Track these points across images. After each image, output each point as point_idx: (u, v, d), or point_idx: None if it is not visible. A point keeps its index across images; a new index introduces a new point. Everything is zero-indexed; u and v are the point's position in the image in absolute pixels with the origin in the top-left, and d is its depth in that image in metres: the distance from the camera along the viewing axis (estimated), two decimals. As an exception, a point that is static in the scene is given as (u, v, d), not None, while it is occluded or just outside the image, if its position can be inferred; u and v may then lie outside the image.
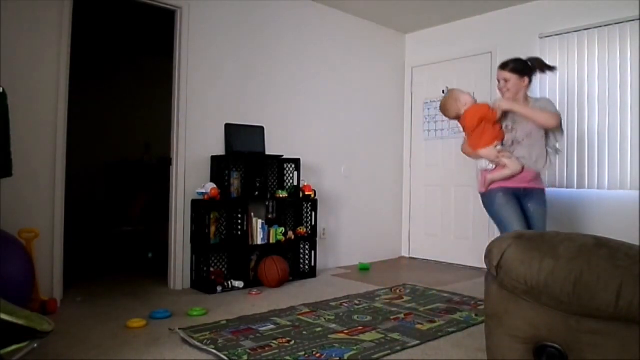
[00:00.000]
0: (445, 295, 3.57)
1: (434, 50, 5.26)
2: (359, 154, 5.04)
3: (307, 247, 4.24)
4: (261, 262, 3.82)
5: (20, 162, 2.80)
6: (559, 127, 2.87)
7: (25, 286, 2.55)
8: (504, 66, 2.94)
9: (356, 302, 3.33)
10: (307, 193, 4.14)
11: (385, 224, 5.32)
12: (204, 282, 3.59)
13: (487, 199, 2.92)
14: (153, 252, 4.87)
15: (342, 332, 2.63)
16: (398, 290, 3.71)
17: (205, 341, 2.42)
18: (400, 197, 5.50)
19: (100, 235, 5.40)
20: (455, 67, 5.04)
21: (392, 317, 2.94)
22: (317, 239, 4.25)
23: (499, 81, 2.96)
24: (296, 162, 4.16)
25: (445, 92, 3.38)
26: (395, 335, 2.58)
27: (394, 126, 5.43)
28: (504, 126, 2.90)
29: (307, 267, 4.22)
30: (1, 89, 2.51)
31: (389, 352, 2.33)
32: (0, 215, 2.75)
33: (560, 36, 4.23)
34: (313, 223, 4.21)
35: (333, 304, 3.27)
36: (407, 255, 5.45)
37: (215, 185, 3.63)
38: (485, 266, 1.50)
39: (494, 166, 2.88)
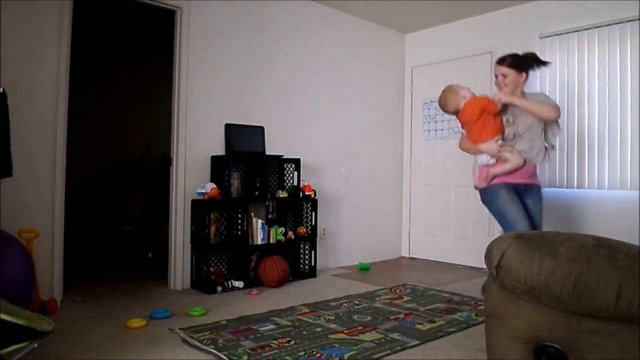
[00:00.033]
0: (445, 295, 3.57)
1: (434, 50, 5.26)
2: (359, 154, 5.04)
3: (307, 247, 4.24)
4: (261, 262, 3.82)
5: (20, 162, 2.80)
6: (556, 121, 2.88)
7: (25, 286, 2.55)
8: (501, 61, 2.95)
9: (356, 302, 3.33)
10: (307, 193, 4.14)
11: (385, 224, 5.32)
12: (204, 282, 3.59)
13: (489, 194, 2.89)
14: (153, 252, 4.87)
15: (342, 332, 2.63)
16: (398, 290, 3.71)
17: (205, 341, 2.42)
18: (400, 197, 5.50)
19: (100, 235, 5.40)
20: (455, 67, 5.04)
21: (392, 317, 2.94)
22: (317, 239, 4.24)
23: (496, 76, 2.97)
24: (296, 162, 4.16)
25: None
26: (395, 335, 2.58)
27: (394, 126, 5.43)
28: (504, 120, 2.89)
29: (307, 267, 4.22)
30: (1, 89, 2.51)
31: (389, 352, 2.33)
32: (0, 215, 2.75)
33: (560, 36, 4.23)
34: (313, 223, 4.21)
35: (333, 304, 3.27)
36: (407, 255, 5.45)
37: (215, 185, 3.63)
38: (485, 266, 1.50)
39: (495, 161, 2.87)
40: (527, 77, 2.94)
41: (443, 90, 3.09)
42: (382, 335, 2.57)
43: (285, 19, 4.41)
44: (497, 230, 2.95)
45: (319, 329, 2.67)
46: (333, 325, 2.75)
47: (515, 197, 2.82)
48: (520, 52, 2.99)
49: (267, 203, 4.07)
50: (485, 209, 3.08)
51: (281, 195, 4.00)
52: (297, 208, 4.24)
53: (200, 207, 3.67)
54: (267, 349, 2.33)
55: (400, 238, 5.50)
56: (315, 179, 4.55)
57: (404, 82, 5.53)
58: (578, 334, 1.28)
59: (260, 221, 3.85)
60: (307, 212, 4.24)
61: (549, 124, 2.93)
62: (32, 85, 3.07)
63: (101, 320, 2.79)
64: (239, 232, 3.74)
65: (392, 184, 5.41)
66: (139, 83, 6.31)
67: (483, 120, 2.84)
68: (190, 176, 3.76)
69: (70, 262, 3.62)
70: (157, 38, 5.35)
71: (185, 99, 3.75)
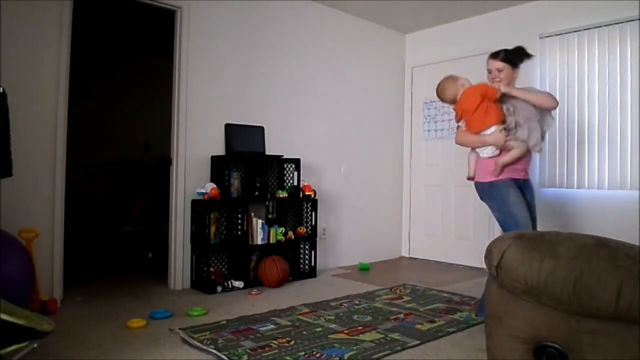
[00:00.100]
0: (445, 295, 3.57)
1: (434, 50, 5.26)
2: (359, 154, 5.04)
3: (307, 247, 4.24)
4: (261, 262, 3.82)
5: (20, 162, 2.80)
6: (550, 112, 2.89)
7: (25, 286, 2.55)
8: (495, 55, 2.95)
9: (356, 302, 3.33)
10: (307, 193, 4.14)
11: (385, 224, 5.32)
12: (204, 282, 3.59)
13: (496, 190, 2.80)
14: (153, 252, 4.87)
15: (342, 332, 2.63)
16: (398, 290, 3.71)
17: (205, 341, 2.42)
18: (400, 197, 5.50)
19: (100, 235, 5.40)
20: (455, 67, 5.03)
21: (392, 317, 2.94)
22: (317, 239, 4.24)
23: (490, 71, 2.95)
24: (296, 162, 4.16)
25: None
26: (395, 335, 2.58)
27: (394, 126, 5.43)
28: (504, 109, 2.86)
29: (307, 267, 4.22)
30: (1, 89, 2.51)
31: (389, 352, 2.33)
32: (0, 215, 2.75)
33: (560, 36, 4.23)
34: (313, 223, 4.21)
35: (333, 304, 3.27)
36: (407, 255, 5.45)
37: (215, 185, 3.63)
38: (485, 266, 1.50)
39: (499, 152, 2.82)
40: (518, 71, 2.96)
41: (441, 80, 3.08)
42: (382, 335, 2.57)
43: (285, 19, 4.41)
44: (497, 230, 2.93)
45: (319, 329, 2.67)
46: (333, 325, 2.75)
47: (522, 197, 2.79)
48: (509, 48, 3.01)
49: (267, 203, 4.07)
50: (485, 207, 2.99)
51: (281, 195, 4.00)
52: (297, 208, 4.24)
53: (200, 207, 3.67)
54: (267, 349, 2.33)
55: (400, 238, 5.50)
56: (315, 179, 4.55)
57: (404, 82, 5.53)
58: (578, 334, 1.28)
59: (260, 221, 3.85)
60: (307, 212, 4.24)
61: (543, 115, 2.92)
62: (32, 85, 3.07)
63: (101, 320, 2.79)
64: (239, 232, 3.74)
65: (392, 184, 5.41)
66: (139, 83, 6.31)
67: (485, 106, 2.78)
68: (190, 176, 3.76)
69: (70, 262, 3.62)
70: (157, 38, 5.35)
71: (185, 99, 3.75)
